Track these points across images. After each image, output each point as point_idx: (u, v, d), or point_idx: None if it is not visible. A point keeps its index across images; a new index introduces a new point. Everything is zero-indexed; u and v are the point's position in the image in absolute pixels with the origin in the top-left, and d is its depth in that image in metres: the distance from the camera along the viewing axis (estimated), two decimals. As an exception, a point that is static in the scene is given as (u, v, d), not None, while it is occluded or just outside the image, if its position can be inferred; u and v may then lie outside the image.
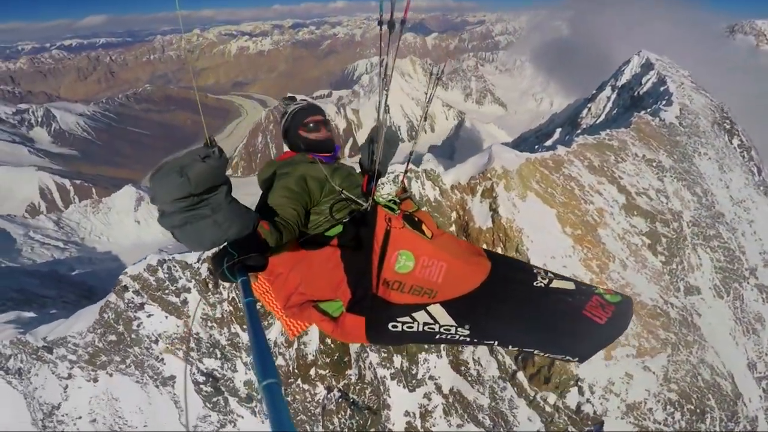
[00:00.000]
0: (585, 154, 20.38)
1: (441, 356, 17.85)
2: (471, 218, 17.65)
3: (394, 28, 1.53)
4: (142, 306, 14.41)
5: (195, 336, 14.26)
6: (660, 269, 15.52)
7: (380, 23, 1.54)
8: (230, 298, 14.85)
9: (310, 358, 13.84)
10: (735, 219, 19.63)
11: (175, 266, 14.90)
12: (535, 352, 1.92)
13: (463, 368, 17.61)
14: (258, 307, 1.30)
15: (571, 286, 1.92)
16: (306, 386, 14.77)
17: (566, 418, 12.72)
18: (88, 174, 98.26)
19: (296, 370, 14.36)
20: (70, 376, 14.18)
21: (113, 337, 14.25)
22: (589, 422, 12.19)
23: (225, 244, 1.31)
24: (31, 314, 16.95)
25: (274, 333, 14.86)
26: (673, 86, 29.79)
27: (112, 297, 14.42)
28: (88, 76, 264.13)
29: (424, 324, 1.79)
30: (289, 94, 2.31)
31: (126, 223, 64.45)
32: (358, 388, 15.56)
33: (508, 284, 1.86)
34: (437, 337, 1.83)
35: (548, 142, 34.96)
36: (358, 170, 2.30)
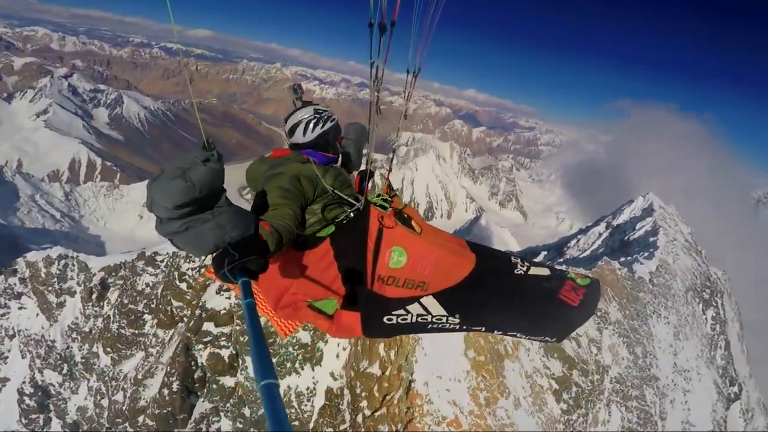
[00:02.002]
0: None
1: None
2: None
3: (385, 31, 1.54)
4: (19, 296, 14.25)
5: (49, 342, 13.66)
6: (556, 417, 13.77)
7: (370, 26, 1.53)
8: (105, 316, 14.42)
9: (142, 403, 12.66)
10: (670, 386, 17.70)
11: (73, 266, 14.93)
12: (518, 335, 2.05)
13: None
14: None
15: (546, 272, 2.03)
16: (131, 430, 13.31)
17: None
18: (123, 160, 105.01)
19: (126, 412, 13.09)
20: None
21: (-26, 319, 13.93)
22: None
23: (227, 245, 1.27)
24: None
25: (127, 367, 13.98)
26: (663, 240, 28.20)
27: (-3, 276, 14.46)
28: (171, 77, 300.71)
29: (418, 315, 1.88)
30: (297, 84, 2.24)
31: (129, 215, 66.39)
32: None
33: (493, 274, 1.95)
34: (429, 327, 1.92)
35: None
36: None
